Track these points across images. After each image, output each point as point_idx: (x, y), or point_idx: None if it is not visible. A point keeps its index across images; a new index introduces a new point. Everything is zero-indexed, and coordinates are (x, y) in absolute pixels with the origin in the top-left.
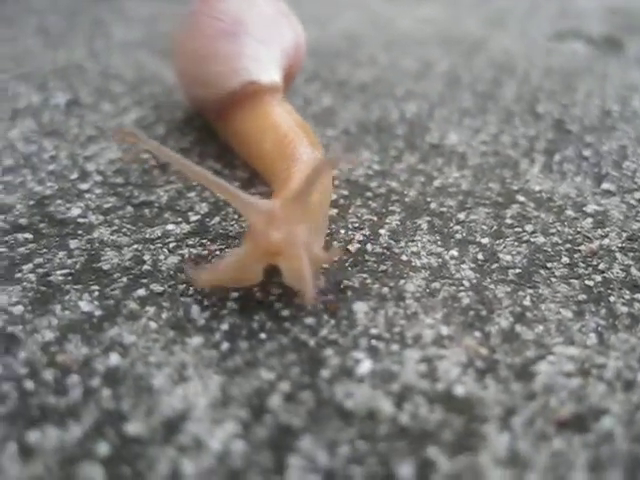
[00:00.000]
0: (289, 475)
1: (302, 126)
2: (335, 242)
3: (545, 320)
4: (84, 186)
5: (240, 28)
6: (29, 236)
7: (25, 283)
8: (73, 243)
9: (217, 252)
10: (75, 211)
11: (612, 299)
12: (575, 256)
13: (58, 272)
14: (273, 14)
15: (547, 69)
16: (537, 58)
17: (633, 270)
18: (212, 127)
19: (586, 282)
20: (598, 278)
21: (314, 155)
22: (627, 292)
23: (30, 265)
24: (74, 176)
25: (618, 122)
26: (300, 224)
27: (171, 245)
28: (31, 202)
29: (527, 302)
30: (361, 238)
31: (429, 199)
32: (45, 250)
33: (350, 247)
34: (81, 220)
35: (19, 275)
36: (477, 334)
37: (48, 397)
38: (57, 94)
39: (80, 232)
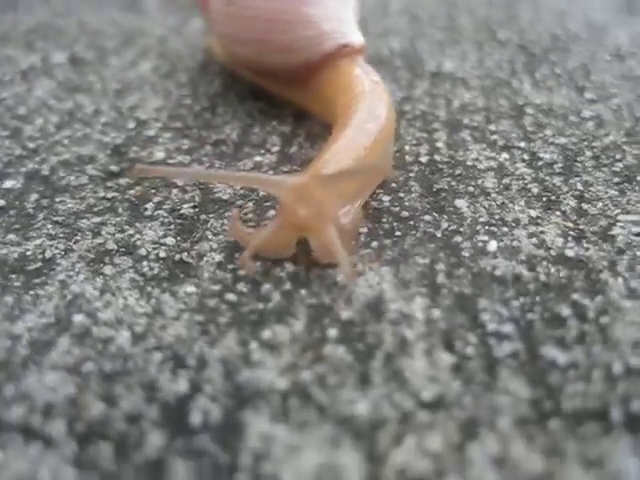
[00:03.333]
0: (488, 327)
1: (375, 89)
2: (407, 156)
3: (600, 198)
4: (150, 132)
5: None
6: (130, 180)
7: (160, 219)
8: (179, 181)
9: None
10: (159, 154)
11: (638, 178)
12: (594, 151)
13: (184, 206)
14: None
15: (487, 1)
16: None
17: None
18: (261, 85)
19: (613, 169)
20: (620, 165)
21: (366, 123)
22: None
23: (151, 204)
24: (132, 125)
25: (567, 44)
26: (330, 200)
27: (270, 172)
28: (108, 151)
29: (580, 187)
30: (425, 151)
31: (458, 117)
32: (154, 190)
33: (421, 159)
34: (171, 161)
35: (148, 213)
36: (557, 213)
37: (256, 304)
38: (53, 53)
39: None
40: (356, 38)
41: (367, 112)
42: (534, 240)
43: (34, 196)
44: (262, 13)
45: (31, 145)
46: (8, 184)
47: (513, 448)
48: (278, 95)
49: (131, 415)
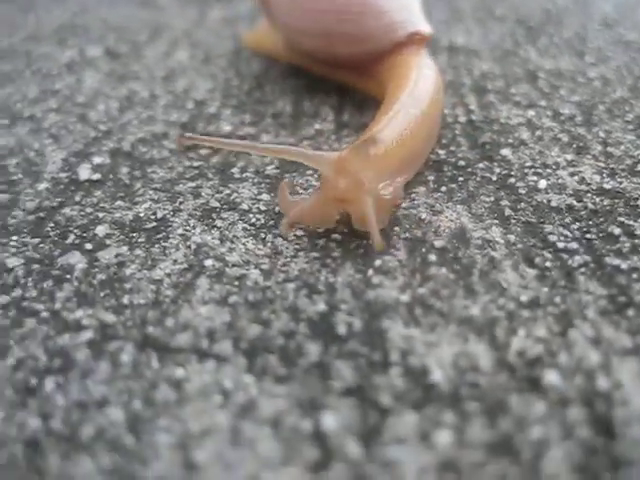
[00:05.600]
0: (558, 246)
1: (427, 75)
2: (448, 118)
3: (621, 143)
4: (211, 110)
5: None
6: (208, 151)
7: (249, 180)
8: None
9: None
10: (226, 128)
11: None
12: (606, 105)
13: (267, 168)
14: None
15: None
16: None
17: None
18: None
19: (625, 119)
20: (631, 115)
21: (410, 108)
22: None
23: (236, 168)
24: (191, 105)
25: (559, 16)
26: (365, 171)
27: (332, 137)
28: (177, 128)
29: (602, 134)
30: (462, 113)
31: (482, 84)
32: (234, 158)
33: (460, 120)
34: (240, 133)
35: (237, 176)
36: (588, 156)
37: (359, 241)
38: (88, 48)
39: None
40: (425, 26)
41: (413, 97)
42: (575, 178)
43: (125, 169)
44: (333, 6)
45: (103, 127)
46: (97, 160)
47: (604, 331)
48: (329, 77)
49: (285, 332)
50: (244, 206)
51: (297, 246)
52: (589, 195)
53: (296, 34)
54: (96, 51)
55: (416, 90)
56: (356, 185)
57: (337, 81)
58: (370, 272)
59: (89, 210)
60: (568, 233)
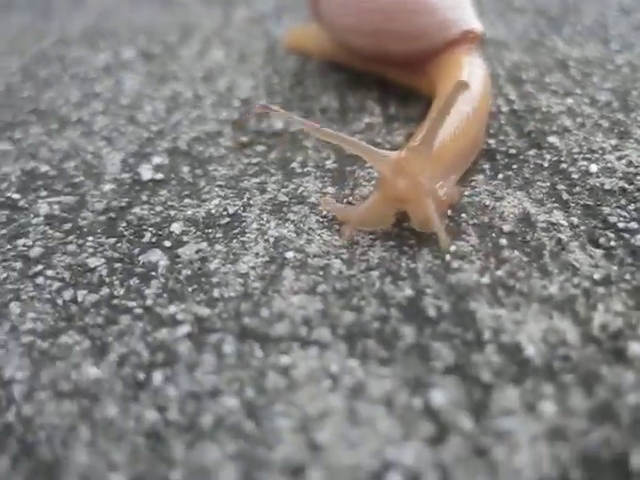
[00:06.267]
0: (619, 226)
1: (477, 72)
2: (491, 108)
3: None
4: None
5: None
6: (264, 148)
7: (312, 174)
8: (307, 142)
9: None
10: (278, 125)
11: None
12: (639, 91)
13: (326, 162)
14: None
15: None
16: None
17: None
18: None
19: None
20: None
21: (462, 106)
22: None
23: (296, 163)
24: (237, 104)
25: (577, 4)
26: (424, 172)
27: (383, 131)
28: (229, 126)
29: None
30: (503, 104)
31: (516, 74)
32: (289, 153)
33: (503, 110)
34: (292, 130)
35: (298, 170)
36: (631, 140)
37: None
38: (121, 50)
39: (301, 137)
40: (477, 24)
41: (465, 98)
42: (623, 162)
43: (185, 168)
44: (386, 4)
45: (154, 128)
46: (157, 160)
47: None
48: (379, 74)
49: (378, 317)
50: (312, 199)
51: (372, 236)
52: (639, 177)
53: (347, 33)
54: (130, 53)
55: (468, 91)
56: (416, 186)
57: (386, 78)
58: (448, 257)
59: (159, 209)
60: (626, 214)
